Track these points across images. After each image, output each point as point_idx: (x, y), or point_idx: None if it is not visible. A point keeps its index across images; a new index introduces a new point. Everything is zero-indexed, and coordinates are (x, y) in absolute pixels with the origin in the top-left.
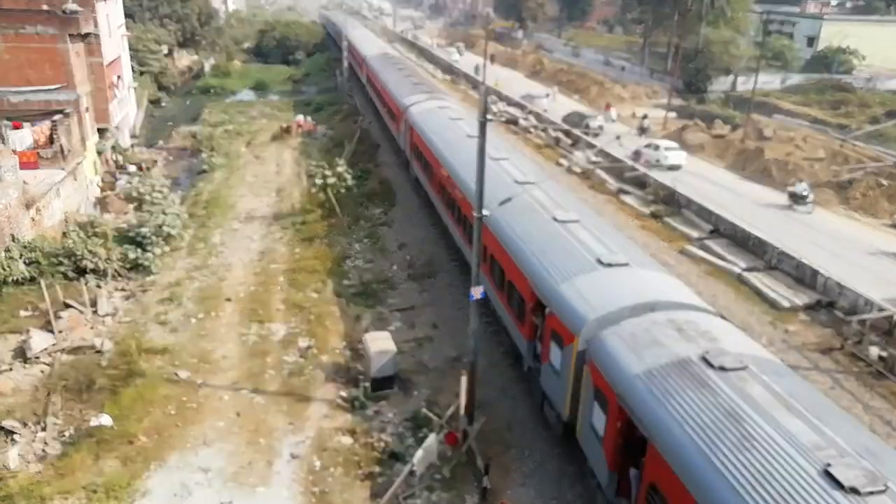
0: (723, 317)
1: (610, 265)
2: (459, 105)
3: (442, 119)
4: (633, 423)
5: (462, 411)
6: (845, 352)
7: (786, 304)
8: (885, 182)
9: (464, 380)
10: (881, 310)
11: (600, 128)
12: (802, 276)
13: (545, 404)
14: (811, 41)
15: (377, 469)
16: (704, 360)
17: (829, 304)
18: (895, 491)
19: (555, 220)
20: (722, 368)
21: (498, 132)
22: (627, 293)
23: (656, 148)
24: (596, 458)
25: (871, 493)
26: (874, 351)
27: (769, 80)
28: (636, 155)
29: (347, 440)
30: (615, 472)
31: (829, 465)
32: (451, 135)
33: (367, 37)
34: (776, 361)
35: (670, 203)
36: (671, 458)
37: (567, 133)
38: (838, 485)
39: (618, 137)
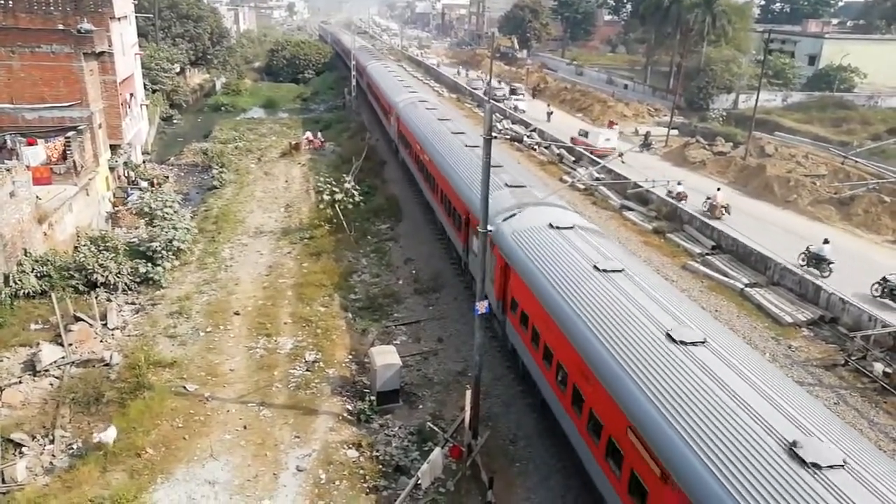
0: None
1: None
2: (393, 63)
3: (382, 69)
4: (507, 265)
5: (466, 425)
6: (849, 368)
7: (788, 319)
8: (887, 199)
9: (468, 394)
10: (885, 326)
11: (504, 96)
12: (805, 291)
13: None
14: (812, 60)
15: (382, 482)
16: (553, 226)
17: (833, 320)
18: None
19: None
20: (557, 228)
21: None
22: (509, 196)
23: (510, 99)
24: (491, 295)
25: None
26: (878, 367)
27: (771, 98)
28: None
29: (353, 453)
30: (499, 300)
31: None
32: (384, 71)
33: (354, 39)
34: (595, 228)
35: (672, 219)
36: (519, 271)
37: (570, 150)
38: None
39: (620, 154)
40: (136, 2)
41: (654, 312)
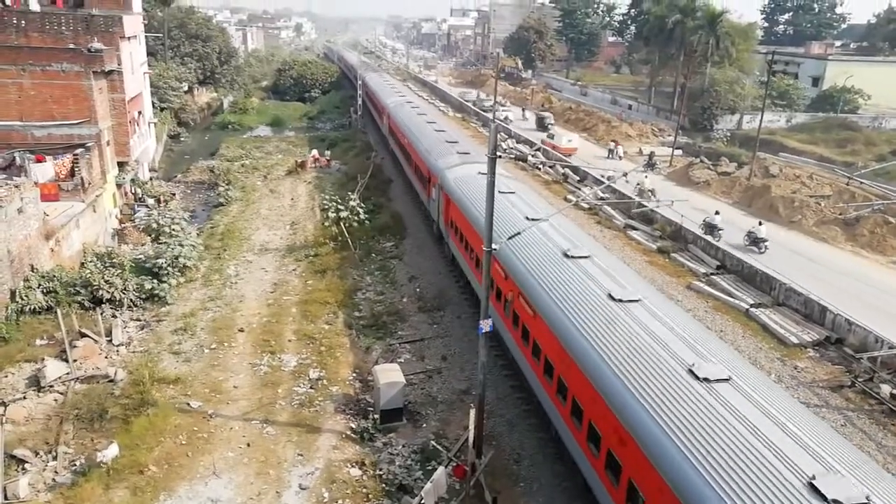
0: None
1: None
2: (391, 76)
3: (378, 79)
4: (449, 199)
5: (470, 444)
6: (856, 389)
7: (794, 340)
8: (892, 220)
9: (472, 412)
10: (892, 347)
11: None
12: (811, 312)
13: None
14: (816, 81)
15: (385, 502)
16: (479, 173)
17: (838, 341)
18: None
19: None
20: (483, 174)
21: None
22: (457, 158)
23: (498, 109)
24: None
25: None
26: (886, 389)
27: (775, 119)
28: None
29: (356, 472)
30: (446, 226)
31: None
32: (380, 81)
33: (360, 58)
34: (509, 175)
35: (677, 239)
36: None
37: (575, 170)
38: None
39: (625, 174)
40: (146, 21)
41: (524, 211)
